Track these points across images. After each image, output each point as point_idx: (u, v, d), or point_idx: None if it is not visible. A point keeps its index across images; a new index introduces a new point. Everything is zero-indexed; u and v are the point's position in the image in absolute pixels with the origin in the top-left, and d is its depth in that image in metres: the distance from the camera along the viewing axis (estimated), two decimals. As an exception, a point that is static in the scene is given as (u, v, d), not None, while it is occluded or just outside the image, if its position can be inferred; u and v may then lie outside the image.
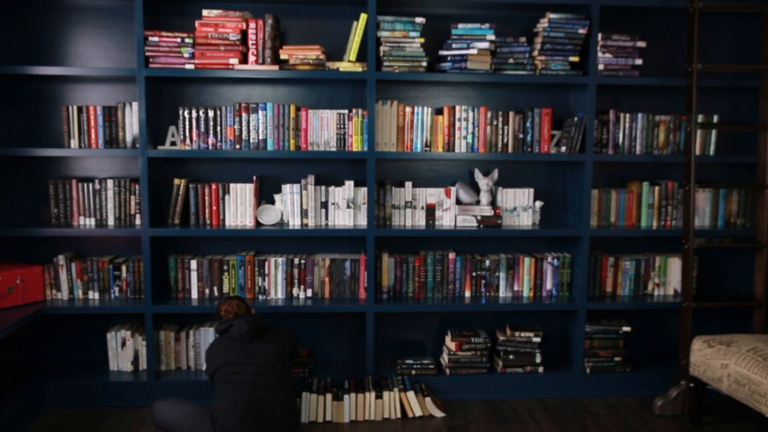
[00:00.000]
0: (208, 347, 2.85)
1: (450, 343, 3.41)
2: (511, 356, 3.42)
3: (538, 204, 3.47)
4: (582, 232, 3.37)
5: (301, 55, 3.19)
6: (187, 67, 3.15)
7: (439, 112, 3.40)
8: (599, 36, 3.26)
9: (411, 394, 3.14)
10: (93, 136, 3.23)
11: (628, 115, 3.41)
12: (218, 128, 3.26)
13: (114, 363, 3.35)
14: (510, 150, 3.38)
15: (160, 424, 2.73)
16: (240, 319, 2.77)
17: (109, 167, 3.42)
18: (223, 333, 2.80)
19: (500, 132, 3.37)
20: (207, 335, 3.35)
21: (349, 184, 3.36)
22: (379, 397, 3.11)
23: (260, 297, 3.38)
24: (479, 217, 3.39)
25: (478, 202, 3.46)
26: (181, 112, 3.24)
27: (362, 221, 3.38)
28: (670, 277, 3.54)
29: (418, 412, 3.14)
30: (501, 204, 3.44)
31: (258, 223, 3.35)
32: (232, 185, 3.33)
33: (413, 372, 3.38)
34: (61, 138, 3.34)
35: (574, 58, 3.30)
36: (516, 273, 3.47)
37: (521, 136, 3.39)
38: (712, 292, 3.68)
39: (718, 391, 2.94)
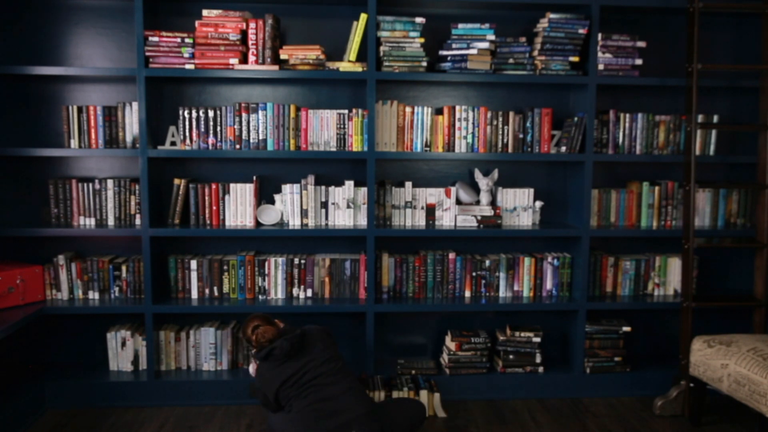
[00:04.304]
0: (258, 376, 2.78)
1: (450, 343, 3.41)
2: (511, 356, 3.42)
3: (538, 204, 3.47)
4: (582, 232, 3.37)
5: (301, 55, 3.19)
6: (187, 67, 3.15)
7: (439, 112, 3.40)
8: (599, 36, 3.26)
9: (424, 393, 3.13)
10: (93, 136, 3.23)
11: (628, 115, 3.42)
12: (218, 128, 3.26)
13: (114, 363, 3.35)
14: (510, 150, 3.38)
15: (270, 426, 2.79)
16: (277, 341, 2.71)
17: (109, 167, 3.42)
18: (267, 358, 2.73)
19: (500, 132, 3.37)
20: (207, 335, 3.35)
21: (349, 184, 3.36)
22: (388, 396, 3.10)
23: (260, 297, 3.38)
24: (479, 217, 3.39)
25: (478, 202, 3.46)
26: (181, 112, 3.24)
27: (362, 221, 3.38)
28: (670, 277, 3.54)
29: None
30: (501, 204, 3.44)
31: (258, 223, 3.35)
32: (232, 185, 3.33)
33: (413, 372, 3.38)
34: (61, 138, 3.34)
35: (574, 58, 3.31)
36: (516, 273, 3.47)
37: (521, 136, 3.39)
38: (712, 292, 3.68)
39: (718, 391, 2.94)
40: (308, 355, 2.72)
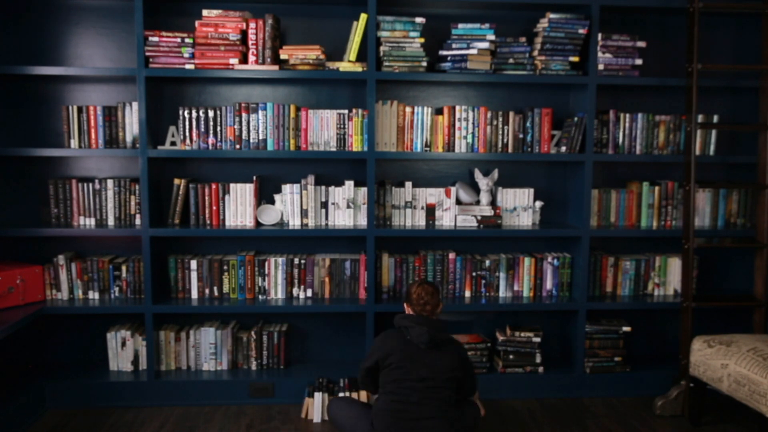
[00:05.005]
0: (381, 337, 2.67)
1: (450, 343, 3.41)
2: (511, 356, 3.42)
3: (538, 204, 3.47)
4: (582, 232, 3.37)
5: (301, 55, 3.19)
6: (187, 67, 3.15)
7: (439, 112, 3.40)
8: (599, 36, 3.26)
9: None
10: (93, 136, 3.23)
11: (628, 115, 3.42)
12: (218, 128, 3.26)
13: (114, 363, 3.35)
14: (510, 150, 3.38)
15: (333, 421, 2.76)
16: (422, 327, 2.58)
17: (109, 167, 3.42)
18: (400, 330, 2.65)
19: (500, 132, 3.37)
20: (207, 335, 3.35)
21: (349, 184, 3.36)
22: None
23: (260, 297, 3.38)
24: (479, 217, 3.39)
25: (478, 202, 3.46)
26: (181, 112, 3.24)
27: (362, 221, 3.38)
28: (670, 277, 3.54)
29: None
30: (501, 204, 3.44)
31: (258, 223, 3.35)
32: (232, 185, 3.33)
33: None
34: (61, 138, 3.34)
35: (574, 58, 3.31)
36: (516, 273, 3.47)
37: (521, 136, 3.39)
38: (712, 292, 3.68)
39: (718, 391, 2.95)
40: (431, 363, 2.57)
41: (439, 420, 2.52)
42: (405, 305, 2.76)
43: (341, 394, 3.09)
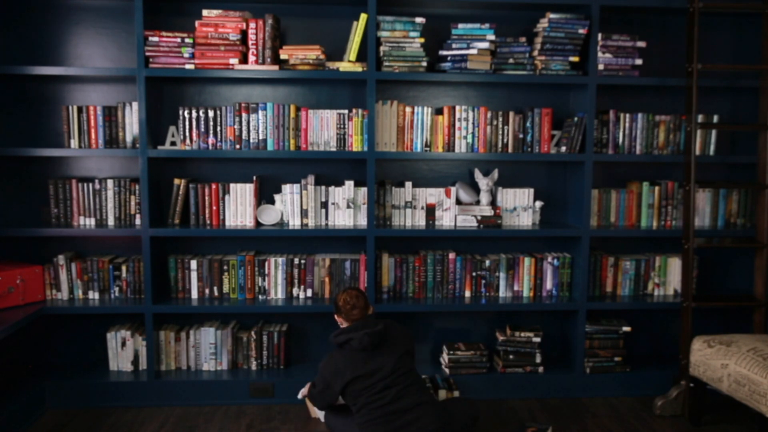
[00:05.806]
0: (326, 363, 2.72)
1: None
2: (511, 356, 3.42)
3: (538, 204, 3.47)
4: (582, 232, 3.37)
5: (301, 55, 3.19)
6: (187, 67, 3.15)
7: (439, 112, 3.40)
8: (599, 36, 3.27)
9: (443, 393, 3.13)
10: (93, 136, 3.23)
11: (628, 115, 3.42)
12: (218, 128, 3.26)
13: (114, 363, 3.35)
14: (510, 150, 3.38)
15: (327, 426, 2.81)
16: (359, 332, 2.66)
17: (109, 167, 3.42)
18: (342, 345, 2.71)
19: (500, 132, 3.37)
20: (207, 335, 3.35)
21: (349, 184, 3.36)
22: None
23: (260, 297, 3.38)
24: (479, 217, 3.39)
25: (478, 202, 3.46)
26: (181, 112, 3.24)
27: (362, 221, 3.38)
28: (670, 277, 3.54)
29: None
30: (501, 204, 3.44)
31: (258, 223, 3.35)
32: (232, 185, 3.33)
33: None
34: (61, 138, 3.34)
35: (574, 58, 3.31)
36: (516, 273, 3.47)
37: (521, 136, 3.39)
38: (712, 292, 3.68)
39: (718, 391, 2.95)
40: (386, 356, 2.65)
41: (425, 406, 2.56)
42: (336, 317, 2.85)
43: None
